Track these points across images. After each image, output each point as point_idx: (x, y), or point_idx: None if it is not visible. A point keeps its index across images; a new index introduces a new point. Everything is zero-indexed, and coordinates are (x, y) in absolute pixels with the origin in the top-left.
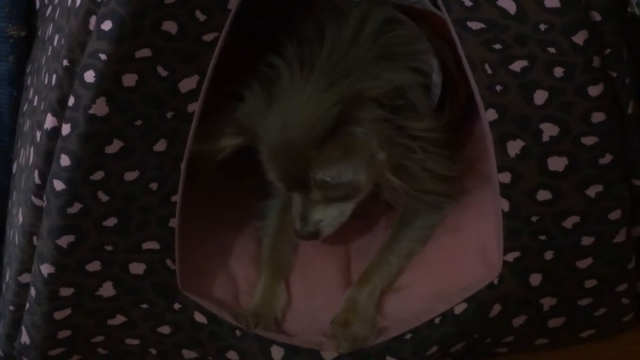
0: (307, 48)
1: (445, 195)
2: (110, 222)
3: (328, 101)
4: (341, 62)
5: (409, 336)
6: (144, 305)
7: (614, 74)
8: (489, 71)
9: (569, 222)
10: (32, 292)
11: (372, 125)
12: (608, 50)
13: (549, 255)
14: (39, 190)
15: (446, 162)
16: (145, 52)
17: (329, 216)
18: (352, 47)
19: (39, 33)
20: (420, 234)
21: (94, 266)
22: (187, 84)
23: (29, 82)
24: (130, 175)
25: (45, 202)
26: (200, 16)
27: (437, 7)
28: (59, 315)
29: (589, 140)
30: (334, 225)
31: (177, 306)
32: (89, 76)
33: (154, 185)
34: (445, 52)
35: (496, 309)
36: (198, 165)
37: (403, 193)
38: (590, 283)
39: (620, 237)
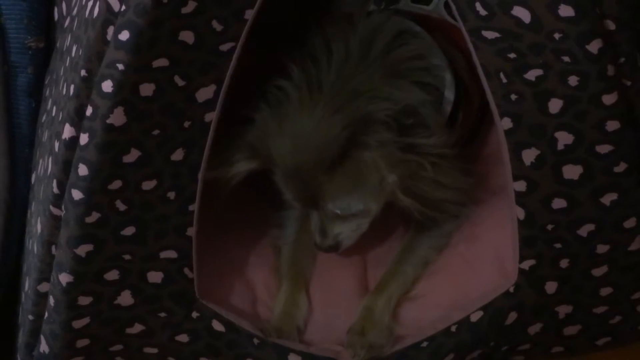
0: (314, 66)
1: (458, 203)
2: (128, 231)
3: (338, 125)
4: (350, 82)
5: (425, 344)
6: (162, 314)
7: (629, 83)
8: (504, 80)
9: (584, 230)
10: (51, 301)
11: (381, 149)
12: (622, 59)
13: (564, 263)
14: (58, 200)
15: (458, 175)
16: (162, 62)
17: (348, 229)
18: (362, 64)
19: (58, 44)
20: (436, 242)
21: (112, 275)
22: (204, 94)
23: (47, 93)
24: (148, 185)
25: (64, 212)
26: (217, 26)
27: (453, 16)
28: (77, 324)
29: (603, 149)
30: (353, 237)
31: (195, 314)
32: (107, 86)
33: (171, 195)
34: (459, 63)
35: (512, 316)
36: (213, 190)
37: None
38: (605, 291)
39: (635, 245)
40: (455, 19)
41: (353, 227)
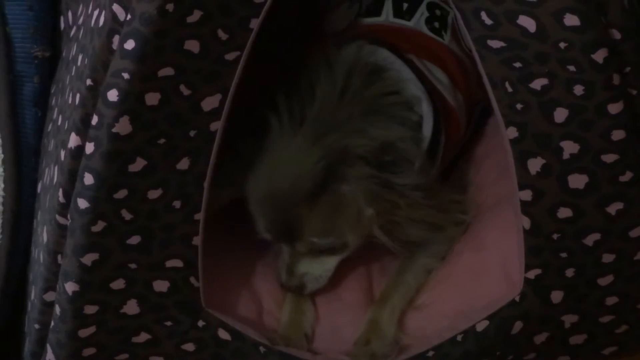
0: (298, 102)
1: (432, 239)
2: (134, 240)
3: (314, 155)
4: (330, 118)
5: (431, 354)
6: (168, 323)
7: (634, 92)
8: (510, 89)
9: (590, 239)
10: (57, 310)
11: (359, 183)
12: (628, 68)
13: (570, 272)
14: (63, 209)
15: (435, 213)
16: (168, 71)
17: (315, 270)
18: (342, 101)
19: (64, 53)
20: (437, 249)
21: (118, 284)
22: (209, 103)
23: (53, 102)
24: (154, 194)
25: (70, 221)
26: (223, 35)
27: (435, 31)
28: (83, 333)
29: (609, 158)
30: (319, 281)
31: (201, 323)
32: (112, 95)
33: (177, 204)
34: (441, 82)
35: (518, 326)
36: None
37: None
38: (611, 300)
39: None
40: (439, 35)
41: (320, 269)
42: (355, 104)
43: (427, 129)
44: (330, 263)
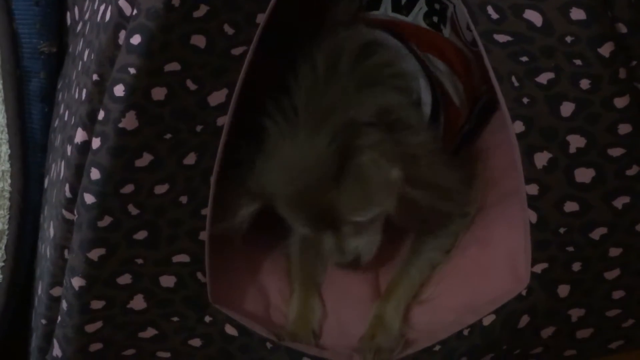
0: (286, 94)
1: (454, 214)
2: (141, 235)
3: (323, 140)
4: (322, 98)
5: (438, 348)
6: (175, 318)
7: None
8: (516, 83)
9: (597, 233)
10: (64, 305)
11: (375, 149)
12: (634, 62)
13: (576, 266)
14: (70, 204)
15: (453, 172)
16: (174, 66)
17: (363, 242)
18: (331, 79)
19: (70, 49)
20: (441, 243)
21: (125, 279)
22: (216, 98)
23: (60, 97)
24: (160, 189)
25: (76, 216)
26: (229, 30)
27: (433, 25)
28: (90, 328)
29: (615, 152)
30: (371, 249)
31: (207, 319)
32: (119, 90)
33: (183, 199)
34: (439, 69)
35: (524, 320)
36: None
37: (418, 212)
38: (618, 294)
39: None
40: (437, 29)
41: (366, 239)
42: (346, 80)
43: (426, 105)
44: (375, 230)
